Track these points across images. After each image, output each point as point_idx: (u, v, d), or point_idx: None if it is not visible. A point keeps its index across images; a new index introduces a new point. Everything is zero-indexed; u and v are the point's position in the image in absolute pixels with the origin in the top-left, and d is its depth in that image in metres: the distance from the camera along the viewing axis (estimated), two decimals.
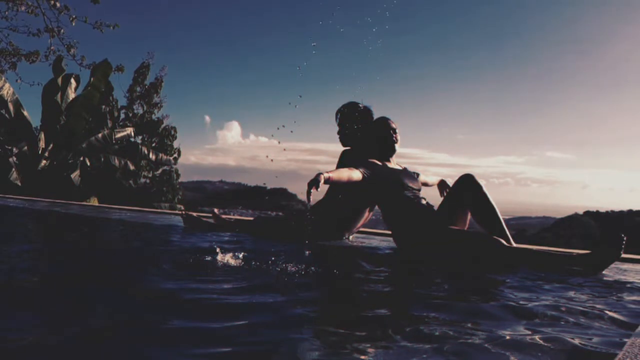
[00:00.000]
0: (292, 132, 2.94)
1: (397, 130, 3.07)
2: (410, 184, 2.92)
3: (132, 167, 13.22)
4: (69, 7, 9.11)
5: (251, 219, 3.77)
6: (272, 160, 2.99)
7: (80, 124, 12.05)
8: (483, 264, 2.46)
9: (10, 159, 11.87)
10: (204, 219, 3.77)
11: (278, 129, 2.96)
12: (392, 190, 2.88)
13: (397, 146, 3.07)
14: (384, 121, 3.09)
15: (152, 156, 14.02)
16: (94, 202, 11.87)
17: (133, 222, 4.40)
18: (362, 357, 1.11)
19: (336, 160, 3.47)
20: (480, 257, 2.51)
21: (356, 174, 2.72)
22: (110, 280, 1.90)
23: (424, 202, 2.92)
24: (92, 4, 9.30)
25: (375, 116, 3.37)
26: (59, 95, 11.97)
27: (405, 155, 3.22)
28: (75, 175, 12.25)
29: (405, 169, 3.14)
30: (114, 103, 15.10)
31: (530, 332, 1.30)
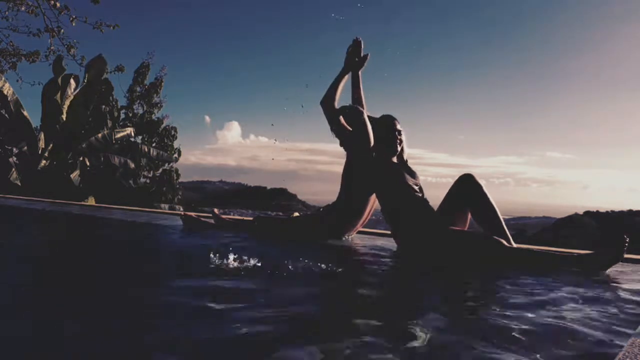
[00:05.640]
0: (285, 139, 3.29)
1: (402, 132, 3.03)
2: (412, 179, 2.93)
3: (132, 166, 13.21)
4: (69, 7, 9.08)
5: (251, 219, 3.76)
6: (272, 159, 3.23)
7: (80, 123, 12.05)
8: (483, 264, 2.45)
9: (10, 159, 11.87)
10: (203, 219, 3.77)
11: (276, 139, 3.32)
12: (395, 184, 2.88)
13: (399, 148, 3.03)
14: (390, 122, 3.04)
15: (152, 153, 14.03)
16: (91, 202, 11.86)
17: (132, 222, 4.39)
18: (362, 356, 1.11)
19: (336, 160, 3.47)
20: (480, 257, 2.50)
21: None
22: (110, 280, 1.90)
23: (423, 196, 2.91)
24: (92, 4, 9.28)
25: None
26: (58, 95, 11.97)
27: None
28: (75, 175, 12.25)
29: (405, 165, 3.14)
30: (114, 103, 15.09)
31: (529, 332, 1.29)
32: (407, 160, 3.15)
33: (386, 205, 2.96)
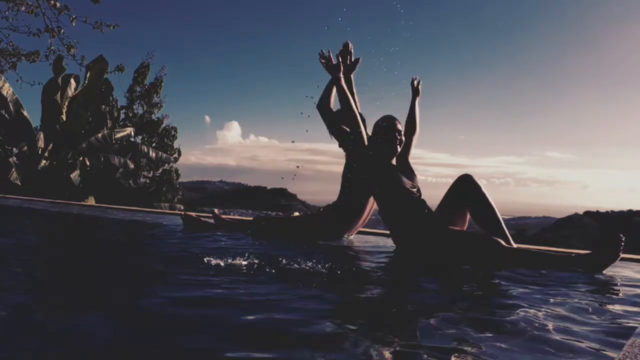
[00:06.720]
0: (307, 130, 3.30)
1: (402, 132, 3.02)
2: (409, 182, 2.91)
3: (131, 166, 13.21)
4: (69, 7, 9.09)
5: (251, 219, 3.76)
6: (297, 166, 3.30)
7: (80, 122, 12.05)
8: (482, 265, 2.45)
9: (10, 159, 11.87)
10: (204, 219, 3.77)
11: (307, 130, 3.36)
12: (392, 187, 2.87)
13: (399, 148, 3.02)
14: (390, 122, 3.02)
15: (152, 154, 14.04)
16: (91, 202, 11.86)
17: (132, 223, 4.39)
18: (363, 356, 1.11)
19: (336, 160, 3.48)
20: (479, 257, 2.50)
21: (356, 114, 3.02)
22: (110, 281, 1.90)
23: (421, 197, 2.90)
24: (92, 3, 9.29)
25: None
26: (58, 95, 11.97)
27: None
28: (75, 175, 12.26)
29: (404, 166, 3.12)
30: (113, 103, 15.10)
31: (529, 332, 1.29)
32: (405, 155, 3.15)
33: (384, 208, 2.95)
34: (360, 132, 3.00)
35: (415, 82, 3.37)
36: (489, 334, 1.28)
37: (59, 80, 11.97)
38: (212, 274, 1.99)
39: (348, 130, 3.25)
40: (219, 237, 3.19)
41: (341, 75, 3.05)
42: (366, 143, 2.99)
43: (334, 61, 3.08)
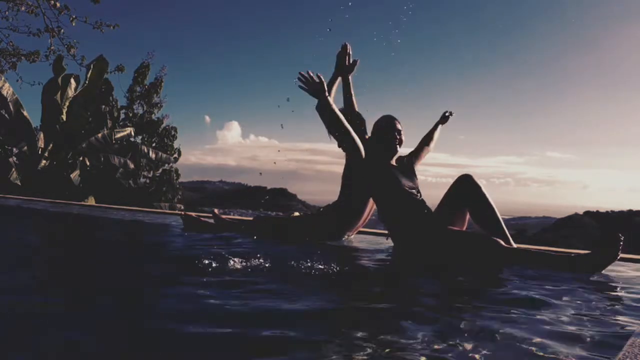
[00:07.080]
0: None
1: (402, 132, 3.01)
2: (409, 183, 2.91)
3: (131, 166, 13.22)
4: (69, 7, 9.10)
5: (251, 219, 3.76)
6: (274, 162, 3.23)
7: (80, 122, 12.05)
8: (482, 265, 2.45)
9: (10, 159, 11.87)
10: (204, 219, 3.77)
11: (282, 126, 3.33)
12: (391, 188, 2.87)
13: (398, 148, 3.01)
14: (389, 122, 3.00)
15: (152, 154, 14.04)
16: (91, 202, 11.86)
17: (132, 223, 4.40)
18: (363, 356, 1.11)
19: (336, 160, 3.49)
20: (479, 257, 2.50)
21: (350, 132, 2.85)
22: (110, 281, 1.90)
23: (420, 197, 2.89)
24: (92, 3, 9.29)
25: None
26: (58, 95, 11.97)
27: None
28: (75, 175, 12.26)
29: (404, 167, 3.12)
30: (113, 103, 15.09)
31: (529, 333, 1.29)
32: (410, 161, 3.14)
33: (383, 209, 2.94)
34: (358, 144, 2.97)
35: (447, 114, 3.49)
36: (488, 335, 1.28)
37: (59, 80, 11.97)
38: (211, 274, 1.99)
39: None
40: (219, 237, 3.19)
41: (327, 95, 2.82)
42: (362, 149, 2.95)
43: (316, 80, 2.81)
